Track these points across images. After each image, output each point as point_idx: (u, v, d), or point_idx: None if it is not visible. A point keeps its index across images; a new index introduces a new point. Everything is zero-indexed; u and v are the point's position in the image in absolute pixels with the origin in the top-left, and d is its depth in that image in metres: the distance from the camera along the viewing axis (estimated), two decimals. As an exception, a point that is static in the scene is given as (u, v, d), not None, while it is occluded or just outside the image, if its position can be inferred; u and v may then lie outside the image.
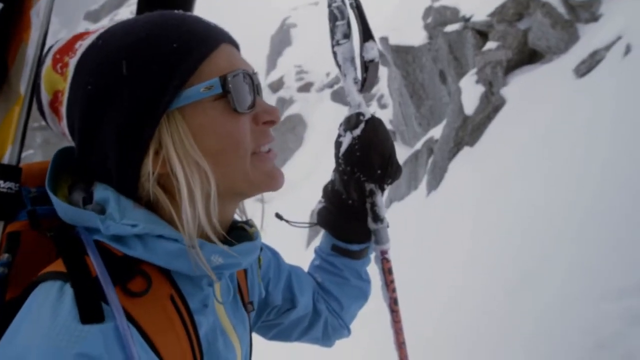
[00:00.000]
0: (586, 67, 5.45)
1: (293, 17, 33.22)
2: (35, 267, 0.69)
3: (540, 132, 5.19)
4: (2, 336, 0.62)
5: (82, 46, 0.73)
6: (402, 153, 11.90)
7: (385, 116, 14.81)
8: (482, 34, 8.09)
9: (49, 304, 0.62)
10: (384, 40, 11.46)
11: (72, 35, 0.77)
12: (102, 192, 0.72)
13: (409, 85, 11.02)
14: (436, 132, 8.47)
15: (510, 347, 2.82)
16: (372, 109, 17.51)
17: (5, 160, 0.78)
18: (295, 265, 1.16)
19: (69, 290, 0.63)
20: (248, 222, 0.85)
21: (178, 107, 0.69)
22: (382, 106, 16.02)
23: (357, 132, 1.03)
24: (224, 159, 0.71)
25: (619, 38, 5.15)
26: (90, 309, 0.61)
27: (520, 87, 6.70)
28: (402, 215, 7.53)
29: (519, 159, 5.16)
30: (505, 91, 6.85)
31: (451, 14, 8.96)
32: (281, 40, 31.69)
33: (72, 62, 0.72)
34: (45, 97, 0.75)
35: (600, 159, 3.74)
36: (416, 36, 10.38)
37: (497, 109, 6.78)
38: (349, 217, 1.07)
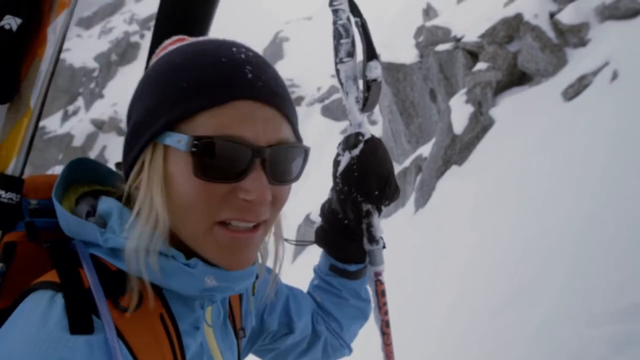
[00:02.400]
0: (574, 91, 5.53)
1: (286, 31, 33.45)
2: (28, 279, 0.68)
3: (527, 153, 5.23)
4: None
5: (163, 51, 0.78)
6: (390, 170, 11.91)
7: (375, 132, 14.86)
8: (473, 55, 8.19)
9: (38, 312, 0.61)
10: (376, 57, 11.55)
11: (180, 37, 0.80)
12: (105, 204, 0.72)
13: (399, 103, 11.10)
14: (425, 150, 8.52)
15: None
16: (361, 125, 17.65)
17: (9, 171, 0.79)
18: (295, 288, 1.14)
19: (59, 300, 0.62)
20: None
21: (164, 143, 0.68)
22: (372, 122, 16.11)
23: (356, 152, 1.01)
24: (179, 215, 0.69)
25: (606, 64, 5.23)
26: (80, 320, 0.61)
27: (509, 108, 6.77)
28: (390, 233, 7.51)
29: (506, 179, 5.20)
30: (494, 112, 6.92)
31: (443, 34, 9.07)
32: (273, 53, 31.85)
33: (155, 59, 0.77)
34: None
35: (586, 182, 3.78)
36: (408, 54, 10.48)
37: (485, 129, 6.85)
38: (345, 237, 1.06)
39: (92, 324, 0.61)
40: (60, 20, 0.81)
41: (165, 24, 1.02)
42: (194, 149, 0.65)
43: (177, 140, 0.66)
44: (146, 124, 0.69)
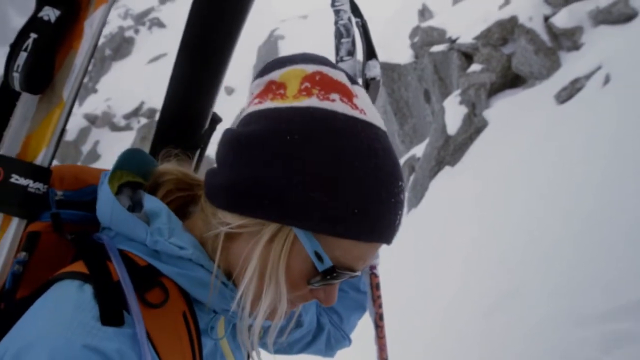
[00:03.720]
0: (567, 94, 5.56)
1: (281, 29, 33.40)
2: (49, 270, 0.70)
3: (520, 155, 5.26)
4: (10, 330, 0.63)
5: (332, 104, 0.68)
6: (383, 169, 11.94)
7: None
8: (468, 56, 8.22)
9: (70, 299, 0.63)
10: (371, 57, 11.56)
11: (342, 74, 0.72)
12: (153, 203, 0.73)
13: (394, 103, 11.11)
14: (418, 150, 8.54)
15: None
16: (355, 124, 17.66)
17: (38, 161, 0.79)
18: None
19: (89, 290, 0.64)
20: None
21: (297, 234, 0.67)
22: (366, 122, 16.15)
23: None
24: (271, 294, 0.70)
25: (599, 68, 5.27)
26: (111, 312, 0.62)
27: (503, 110, 6.81)
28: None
29: (498, 180, 5.22)
30: (488, 113, 6.95)
31: (438, 35, 9.10)
32: (268, 51, 31.78)
33: (314, 102, 0.67)
34: (277, 74, 0.71)
35: (578, 184, 3.81)
36: (403, 55, 10.50)
37: (479, 130, 6.87)
38: None
39: (122, 317, 0.62)
40: (98, 14, 0.82)
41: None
42: (326, 275, 0.68)
43: (316, 254, 0.67)
44: (296, 207, 0.65)
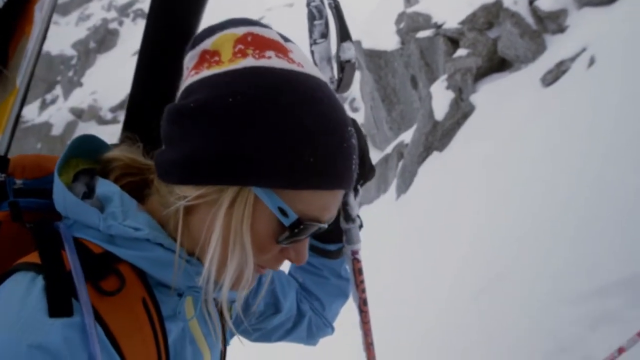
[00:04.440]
0: (552, 77, 5.60)
1: (267, 17, 33.13)
2: (11, 259, 0.68)
3: (507, 138, 5.30)
4: None
5: (269, 61, 0.68)
6: (372, 157, 11.94)
7: (357, 120, 14.90)
8: (453, 41, 8.23)
9: (18, 294, 0.61)
10: (357, 44, 11.53)
11: (273, 32, 0.72)
12: (105, 187, 0.72)
13: (381, 90, 11.11)
14: (406, 136, 8.56)
15: (475, 350, 2.87)
16: (344, 112, 17.65)
17: None
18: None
19: (40, 282, 0.62)
20: None
21: (257, 194, 0.66)
22: (354, 109, 16.14)
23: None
24: (237, 258, 0.70)
25: (583, 50, 5.31)
26: (59, 303, 0.61)
27: (489, 94, 6.83)
28: (371, 219, 7.57)
29: (486, 164, 5.26)
30: (475, 98, 6.98)
31: (423, 20, 9.08)
32: (254, 40, 31.54)
33: (249, 62, 0.67)
34: (208, 42, 0.70)
35: (565, 165, 3.85)
36: (389, 41, 10.48)
37: (466, 115, 6.91)
38: None
39: (71, 307, 0.61)
40: None
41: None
42: (292, 228, 0.68)
43: (280, 209, 0.66)
44: (249, 166, 0.65)
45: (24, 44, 0.80)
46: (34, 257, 0.66)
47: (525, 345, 2.56)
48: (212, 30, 0.71)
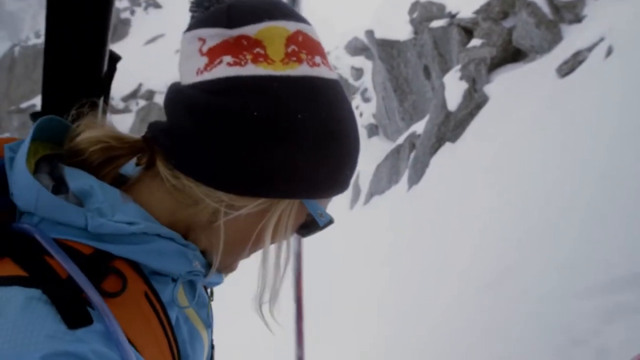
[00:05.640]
0: (568, 67, 5.51)
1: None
2: None
3: (521, 130, 5.24)
4: None
5: (320, 70, 0.65)
6: (384, 147, 11.92)
7: (369, 110, 14.85)
8: (467, 31, 8.13)
9: (18, 313, 0.53)
10: (370, 33, 11.45)
11: (314, 29, 0.69)
12: (79, 180, 0.64)
13: (393, 80, 11.04)
14: (419, 127, 8.51)
15: (485, 343, 2.86)
16: (355, 102, 17.47)
17: None
18: None
19: (36, 295, 0.54)
20: None
21: (305, 203, 0.69)
22: (366, 100, 16.06)
23: None
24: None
25: (601, 39, 5.22)
26: (74, 312, 0.55)
27: (503, 84, 6.75)
28: (383, 209, 7.56)
29: (499, 155, 5.21)
30: (488, 88, 6.90)
31: (437, 10, 8.99)
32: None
33: (306, 70, 0.63)
34: (248, 30, 0.63)
35: (578, 157, 3.80)
36: (402, 31, 10.39)
37: (479, 105, 6.84)
38: None
39: (89, 315, 0.55)
40: None
41: None
42: (325, 225, 0.72)
43: (320, 214, 0.70)
44: (311, 183, 0.67)
45: None
46: (8, 269, 0.56)
47: (537, 339, 2.54)
48: (257, 16, 0.63)
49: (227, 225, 0.67)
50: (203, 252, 0.71)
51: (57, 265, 0.57)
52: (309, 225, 0.73)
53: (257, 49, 0.62)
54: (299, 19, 0.67)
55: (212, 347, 0.89)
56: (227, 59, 0.62)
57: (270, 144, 0.62)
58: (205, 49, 0.64)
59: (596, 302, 2.43)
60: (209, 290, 0.91)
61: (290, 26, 0.64)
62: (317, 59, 0.65)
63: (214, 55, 0.63)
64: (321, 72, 0.65)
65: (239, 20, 0.63)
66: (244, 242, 0.70)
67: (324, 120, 0.64)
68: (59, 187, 0.65)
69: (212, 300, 0.91)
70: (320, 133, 0.64)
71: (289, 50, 0.63)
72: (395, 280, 4.61)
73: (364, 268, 5.83)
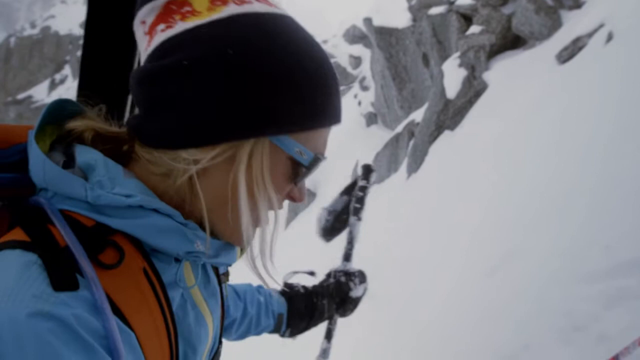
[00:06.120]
0: (568, 54, 5.48)
1: None
2: None
3: (521, 117, 5.23)
4: None
5: (252, 5, 0.66)
6: (383, 136, 11.91)
7: (367, 98, 14.81)
8: (466, 18, 8.08)
9: (13, 272, 0.57)
10: (368, 21, 11.38)
11: None
12: (86, 155, 0.67)
13: (392, 68, 10.99)
14: (417, 115, 8.48)
15: (486, 329, 2.86)
16: (354, 91, 17.42)
17: None
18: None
19: (33, 258, 0.58)
20: None
21: (271, 141, 0.67)
22: (364, 88, 15.99)
23: (362, 289, 1.37)
24: (264, 208, 0.70)
25: (601, 25, 5.18)
26: (62, 277, 0.57)
27: (503, 72, 6.73)
28: (382, 197, 7.55)
29: (499, 143, 5.20)
30: (488, 76, 6.87)
31: (436, -3, 8.93)
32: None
33: (233, 9, 0.65)
34: None
35: (579, 143, 3.79)
36: (400, 18, 10.33)
37: (478, 93, 6.81)
38: (307, 323, 1.29)
39: (76, 281, 0.58)
40: None
41: None
42: (311, 166, 0.70)
43: (298, 151, 0.68)
44: (265, 117, 0.64)
45: None
46: (16, 235, 0.61)
47: (539, 324, 2.55)
48: None
49: (205, 187, 0.68)
50: (207, 230, 0.71)
51: (58, 234, 0.60)
52: (297, 169, 0.70)
53: (185, 8, 0.65)
54: None
55: (219, 342, 0.89)
56: (161, 27, 0.65)
57: (206, 88, 0.63)
58: (147, 29, 0.67)
59: (598, 287, 2.43)
60: (224, 273, 0.92)
61: None
62: None
63: (152, 30, 0.67)
64: (253, 7, 0.66)
65: None
66: (224, 199, 0.68)
67: (265, 52, 0.64)
68: (70, 163, 0.68)
69: (227, 281, 0.92)
70: (263, 64, 0.63)
71: None
72: (396, 268, 4.61)
73: (364, 256, 5.83)
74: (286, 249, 9.61)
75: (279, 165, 0.69)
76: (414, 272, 4.38)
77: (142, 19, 0.68)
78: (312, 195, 12.80)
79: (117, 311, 0.61)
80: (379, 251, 5.54)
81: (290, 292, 1.28)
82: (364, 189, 1.44)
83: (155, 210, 0.66)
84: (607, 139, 3.49)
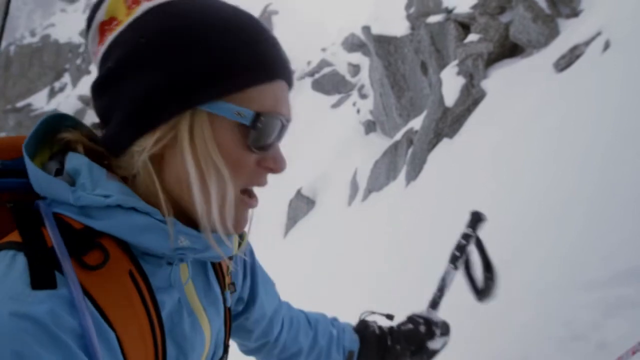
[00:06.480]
0: (566, 62, 5.50)
1: (275, 4, 32.90)
2: None
3: (519, 125, 5.23)
4: None
5: None
6: (382, 143, 11.92)
7: (366, 106, 14.83)
8: (464, 26, 8.11)
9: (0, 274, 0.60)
10: (367, 29, 11.42)
11: None
12: (73, 161, 0.71)
13: (390, 76, 11.02)
14: (416, 123, 8.49)
15: (484, 337, 2.85)
16: (353, 99, 17.46)
17: None
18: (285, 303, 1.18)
19: (21, 258, 0.61)
20: None
21: (208, 111, 0.68)
22: (363, 96, 16.02)
23: (442, 343, 1.32)
24: (215, 182, 0.70)
25: (598, 34, 5.21)
26: (42, 276, 0.60)
27: (501, 80, 6.74)
28: (381, 205, 7.55)
29: (497, 151, 5.21)
30: (486, 84, 6.89)
31: (434, 5, 8.97)
32: (262, 27, 31.34)
33: (145, 6, 0.70)
34: (100, 15, 0.72)
35: (577, 151, 3.79)
36: (398, 26, 10.37)
37: (477, 101, 6.82)
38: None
39: (54, 280, 0.60)
40: None
41: None
42: (256, 125, 0.69)
43: (237, 113, 0.68)
44: (184, 89, 0.66)
45: None
46: (14, 236, 0.65)
47: (537, 332, 2.53)
48: (98, 3, 0.73)
49: (167, 174, 0.71)
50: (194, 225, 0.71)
51: (48, 235, 0.64)
52: (246, 132, 0.70)
53: (113, 23, 0.71)
54: None
55: (224, 350, 0.88)
56: (101, 48, 0.72)
57: (130, 82, 0.68)
58: (95, 55, 0.74)
59: (597, 295, 2.42)
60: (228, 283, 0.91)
61: None
62: None
63: (95, 56, 0.74)
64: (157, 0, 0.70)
65: (91, 17, 0.73)
66: (182, 179, 0.70)
67: (177, 28, 0.68)
68: (62, 170, 0.72)
69: (235, 291, 0.92)
70: (176, 40, 0.68)
71: (128, 3, 0.71)
72: (394, 276, 4.60)
73: (362, 264, 5.82)
74: (285, 257, 9.60)
75: (224, 132, 0.69)
76: (412, 280, 4.36)
77: (92, 50, 0.74)
78: (311, 203, 12.79)
79: (99, 311, 0.63)
80: (377, 259, 5.53)
81: (364, 331, 1.25)
82: (467, 237, 1.38)
83: (134, 209, 0.68)
84: (605, 147, 3.49)
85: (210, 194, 0.69)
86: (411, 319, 1.32)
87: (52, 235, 0.64)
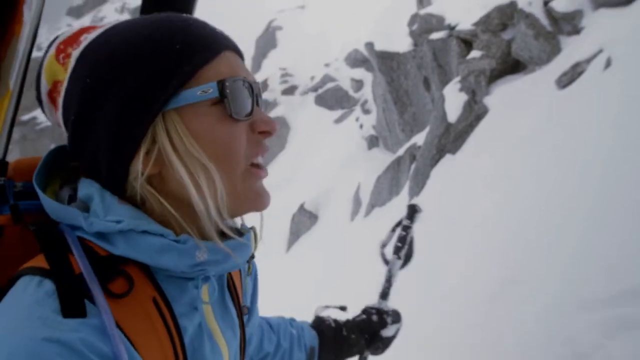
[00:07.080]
0: (568, 79, 5.53)
1: (279, 19, 33.21)
2: (16, 263, 0.68)
3: (521, 141, 5.25)
4: None
5: (86, 39, 0.73)
6: (384, 159, 11.94)
7: (369, 122, 14.88)
8: (467, 43, 8.17)
9: (27, 297, 0.60)
10: (370, 45, 11.51)
11: (79, 27, 0.77)
12: (86, 188, 0.72)
13: (393, 92, 11.08)
14: (419, 138, 8.52)
15: (484, 356, 2.83)
16: (356, 114, 17.50)
17: None
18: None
19: (49, 285, 0.61)
20: (240, 228, 0.83)
21: (175, 108, 0.69)
22: (366, 111, 16.09)
23: (394, 330, 1.38)
24: (218, 168, 0.70)
25: (600, 51, 5.24)
26: (72, 304, 0.60)
27: (503, 96, 6.77)
28: (384, 220, 7.53)
29: (499, 167, 5.21)
30: (488, 100, 6.92)
31: (437, 22, 9.04)
32: (266, 42, 31.64)
33: (75, 54, 0.72)
34: (44, 86, 0.75)
35: (579, 169, 3.79)
36: (401, 42, 10.45)
37: (479, 117, 6.85)
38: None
39: (84, 308, 0.60)
40: None
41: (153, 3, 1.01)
42: (225, 92, 0.70)
43: (201, 92, 0.69)
44: (143, 101, 0.68)
45: (14, 44, 0.79)
46: (39, 261, 0.65)
47: (539, 352, 2.51)
48: (37, 78, 0.76)
49: (168, 191, 0.72)
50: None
51: (75, 262, 0.64)
52: (220, 105, 0.71)
53: (58, 85, 0.74)
54: (55, 40, 0.77)
55: None
56: (59, 113, 0.75)
57: (96, 123, 0.69)
58: (57, 124, 0.78)
59: (599, 314, 2.41)
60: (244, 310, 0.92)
61: (51, 50, 0.76)
62: (82, 37, 0.74)
63: (58, 122, 0.77)
64: (88, 39, 0.73)
65: (37, 92, 0.76)
66: (181, 187, 0.70)
67: (109, 64, 0.69)
68: (75, 196, 0.74)
69: (246, 313, 0.92)
70: (111, 66, 0.69)
71: (61, 61, 0.74)
72: (396, 292, 4.57)
73: (365, 279, 5.80)
74: (287, 272, 9.56)
75: (201, 119, 0.70)
76: (412, 297, 4.35)
77: (54, 121, 0.78)
78: (314, 218, 12.78)
79: (126, 339, 0.63)
80: (379, 274, 5.51)
81: (321, 325, 1.28)
82: (407, 228, 1.45)
83: (147, 232, 0.68)
84: (607, 163, 3.49)
85: (202, 187, 0.69)
86: (364, 310, 1.38)
87: (82, 264, 0.64)
